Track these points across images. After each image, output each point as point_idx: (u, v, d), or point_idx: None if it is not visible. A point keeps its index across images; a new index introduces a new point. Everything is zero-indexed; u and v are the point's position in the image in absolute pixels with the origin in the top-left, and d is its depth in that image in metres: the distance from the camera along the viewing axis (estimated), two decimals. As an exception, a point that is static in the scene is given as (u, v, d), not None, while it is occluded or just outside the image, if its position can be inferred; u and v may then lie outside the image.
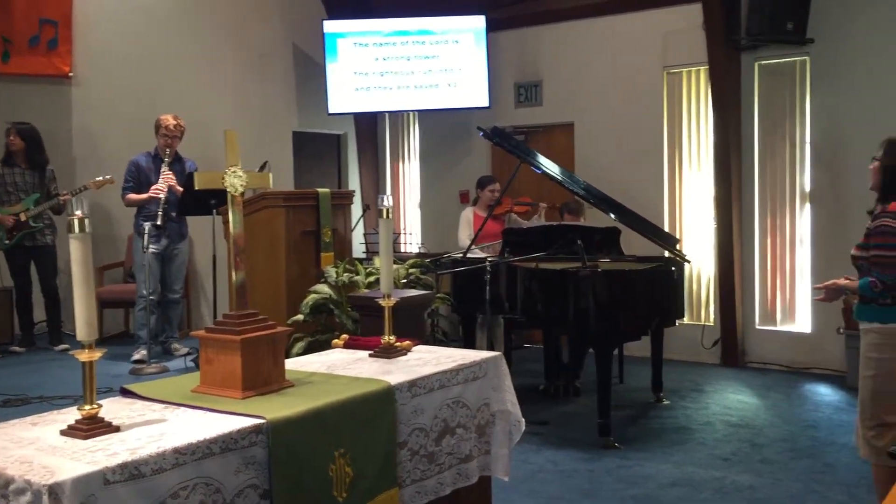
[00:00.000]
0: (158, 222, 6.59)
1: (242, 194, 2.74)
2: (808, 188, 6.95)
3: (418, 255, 7.80)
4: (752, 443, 4.96)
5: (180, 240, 7.02)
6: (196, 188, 2.77)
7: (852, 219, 6.23)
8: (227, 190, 2.68)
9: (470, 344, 6.06)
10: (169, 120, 6.79)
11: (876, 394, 3.51)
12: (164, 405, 2.46)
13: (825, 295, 3.70)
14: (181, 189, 6.61)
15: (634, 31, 7.63)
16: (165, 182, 6.69)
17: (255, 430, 2.25)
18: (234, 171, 2.68)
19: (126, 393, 2.59)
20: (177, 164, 6.89)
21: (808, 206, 6.96)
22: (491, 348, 6.25)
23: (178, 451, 2.04)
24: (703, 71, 7.27)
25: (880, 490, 3.46)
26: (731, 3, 6.89)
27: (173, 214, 6.79)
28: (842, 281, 3.64)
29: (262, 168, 6.15)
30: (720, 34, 6.85)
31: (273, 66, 8.56)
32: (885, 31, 6.44)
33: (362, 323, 4.37)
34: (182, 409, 2.42)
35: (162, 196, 6.66)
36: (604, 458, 4.68)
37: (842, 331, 6.24)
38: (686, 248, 7.39)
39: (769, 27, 6.56)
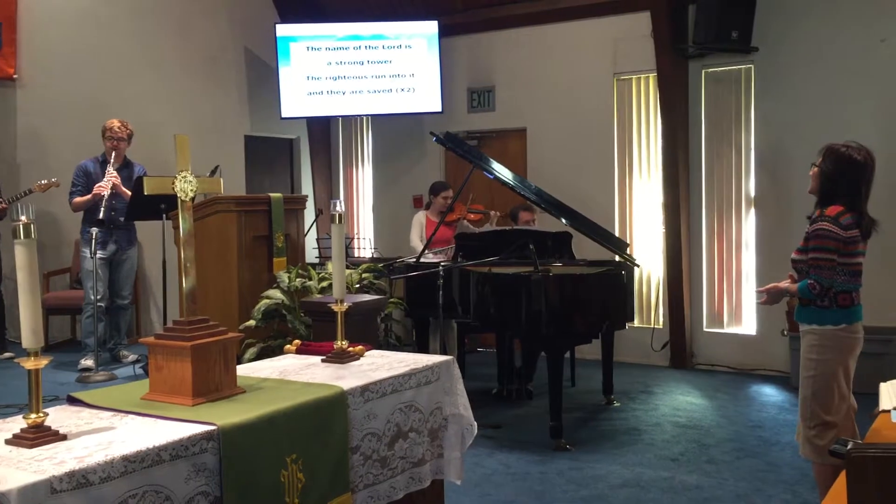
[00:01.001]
0: (100, 216, 6.48)
1: (193, 199, 2.72)
2: (752, 193, 7.12)
3: (372, 259, 7.80)
4: (700, 443, 5.06)
5: (129, 245, 6.91)
6: (145, 193, 2.75)
7: (795, 223, 6.39)
8: (178, 195, 2.66)
9: (423, 348, 6.09)
10: (115, 123, 6.70)
11: (816, 394, 3.61)
12: (112, 413, 2.43)
13: (767, 298, 3.80)
14: (129, 192, 6.52)
15: (585, 38, 7.73)
16: (110, 180, 6.58)
17: (206, 436, 2.24)
18: (185, 177, 2.66)
19: (73, 401, 2.55)
20: (125, 168, 6.79)
21: (752, 210, 7.13)
22: (444, 352, 6.29)
23: (126, 459, 2.02)
24: (652, 78, 7.40)
25: (822, 487, 3.56)
26: (679, 12, 7.04)
27: (121, 220, 6.68)
28: (782, 284, 3.74)
29: (213, 172, 6.10)
30: (668, 42, 6.99)
31: (224, 70, 8.48)
32: (826, 40, 6.64)
33: (315, 328, 4.37)
34: (131, 416, 2.39)
35: (106, 193, 6.56)
36: (555, 460, 4.74)
37: (785, 332, 6.41)
38: (636, 252, 7.51)
39: (715, 36, 6.71)
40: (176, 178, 2.66)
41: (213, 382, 2.58)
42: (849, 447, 2.47)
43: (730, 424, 5.46)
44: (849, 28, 6.55)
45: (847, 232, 3.54)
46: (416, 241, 6.80)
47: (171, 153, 2.70)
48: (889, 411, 3.86)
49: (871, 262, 3.70)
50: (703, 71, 7.23)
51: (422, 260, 6.05)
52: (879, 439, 3.54)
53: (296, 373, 3.01)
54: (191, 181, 2.68)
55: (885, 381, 4.19)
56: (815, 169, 3.70)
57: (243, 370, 3.04)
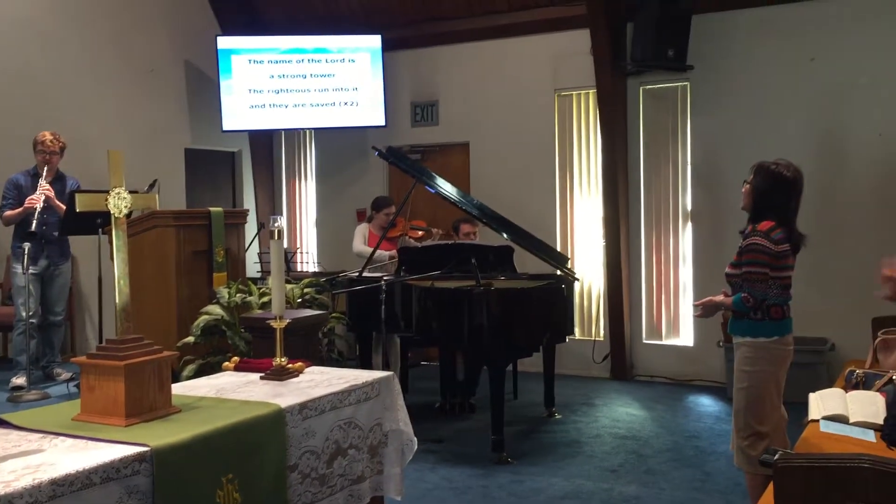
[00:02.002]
0: (32, 228, 6.32)
1: (129, 215, 2.69)
2: (689, 207, 7.29)
3: (315, 274, 7.75)
4: (639, 454, 5.14)
5: (62, 260, 6.74)
6: (77, 210, 2.70)
7: (730, 236, 6.52)
8: (111, 212, 2.62)
9: (366, 363, 6.07)
10: (46, 136, 6.54)
11: (750, 405, 3.71)
12: (41, 435, 2.37)
13: (702, 312, 3.89)
14: (63, 206, 6.37)
15: (526, 54, 7.84)
16: (42, 192, 6.43)
17: (139, 458, 2.21)
18: (118, 193, 2.62)
19: (1, 423, 2.48)
20: (58, 181, 6.63)
21: (689, 224, 7.29)
22: (387, 367, 6.28)
23: (55, 483, 1.98)
24: (592, 94, 7.53)
25: (753, 497, 3.65)
26: (617, 31, 7.18)
27: (55, 234, 6.52)
28: (717, 298, 3.83)
29: (151, 186, 6.01)
30: (607, 60, 7.13)
31: (163, 82, 8.36)
32: (758, 59, 6.85)
33: (255, 344, 4.33)
34: (61, 438, 2.34)
35: (39, 206, 6.40)
36: (497, 473, 4.76)
37: (721, 344, 6.56)
38: (577, 265, 7.62)
39: (652, 54, 6.87)
40: (109, 194, 2.62)
41: (147, 402, 2.54)
42: (776, 457, 2.55)
43: (668, 435, 5.56)
44: (780, 47, 6.77)
45: (778, 246, 3.65)
46: (362, 246, 6.79)
47: (106, 167, 2.65)
48: (818, 421, 3.99)
49: (800, 275, 3.82)
50: (640, 88, 7.39)
51: (364, 274, 6.04)
52: (809, 448, 3.65)
53: (233, 391, 2.98)
54: (125, 197, 2.64)
55: (814, 391, 4.33)
56: (747, 186, 3.81)
57: (179, 389, 3.00)
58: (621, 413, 6.18)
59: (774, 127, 6.73)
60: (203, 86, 8.56)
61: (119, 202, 2.62)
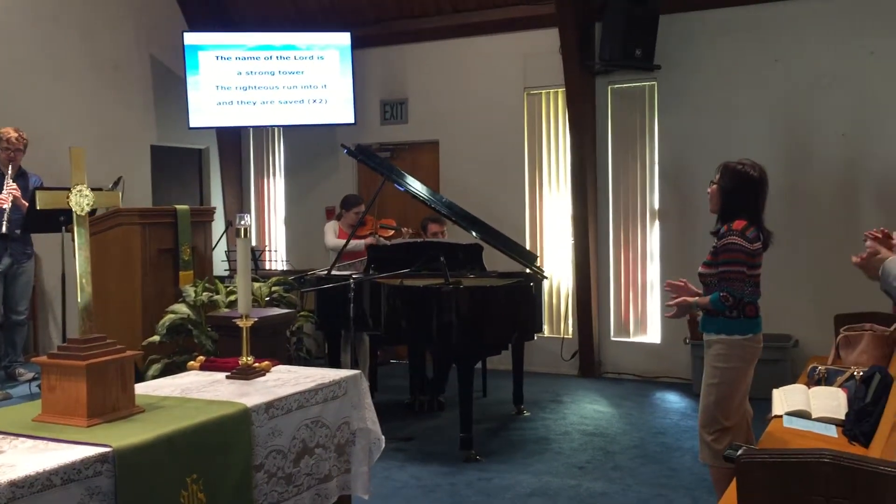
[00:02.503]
0: (3, 230, 6.22)
1: (94, 213, 2.65)
2: (656, 206, 7.35)
3: (283, 272, 7.70)
4: (606, 450, 5.18)
5: (25, 258, 6.63)
6: (38, 208, 2.66)
7: (697, 234, 6.63)
8: (73, 209, 2.58)
9: (334, 362, 6.04)
10: (10, 133, 6.44)
11: (719, 401, 3.74)
12: (1, 436, 2.33)
13: (676, 312, 3.90)
14: (27, 203, 6.27)
15: (496, 53, 7.85)
16: (10, 192, 6.33)
17: (100, 458, 2.18)
18: (80, 190, 2.59)
19: (-41, 424, 2.44)
20: (21, 179, 6.52)
21: (657, 223, 7.35)
22: (356, 365, 6.26)
23: (14, 485, 1.95)
24: (561, 93, 7.56)
25: (719, 491, 3.69)
26: (586, 30, 7.23)
27: (17, 232, 6.42)
28: (691, 298, 3.85)
29: (116, 183, 5.94)
30: (576, 59, 7.16)
31: (129, 78, 8.25)
32: (724, 59, 6.92)
33: (221, 343, 4.29)
34: (21, 439, 2.31)
35: (7, 206, 6.30)
36: (465, 471, 4.77)
37: (688, 341, 6.62)
38: (546, 263, 7.65)
39: (620, 53, 6.91)
40: (71, 191, 2.58)
41: (110, 402, 2.52)
42: (739, 453, 2.58)
43: (635, 431, 5.61)
44: (745, 48, 6.85)
45: (753, 245, 3.70)
46: (333, 240, 6.77)
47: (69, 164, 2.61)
48: (781, 416, 4.05)
49: (764, 272, 3.85)
50: (609, 87, 7.43)
51: (333, 272, 6.01)
52: (773, 443, 3.71)
53: (198, 390, 2.96)
54: (87, 195, 2.60)
55: (778, 387, 4.39)
56: (714, 187, 3.84)
57: (143, 388, 2.97)
58: (589, 410, 6.22)
59: (740, 126, 6.81)
60: (169, 82, 8.46)
61: (81, 200, 2.59)
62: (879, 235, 3.19)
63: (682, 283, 3.89)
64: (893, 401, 3.39)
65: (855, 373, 4.19)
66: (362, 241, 6.62)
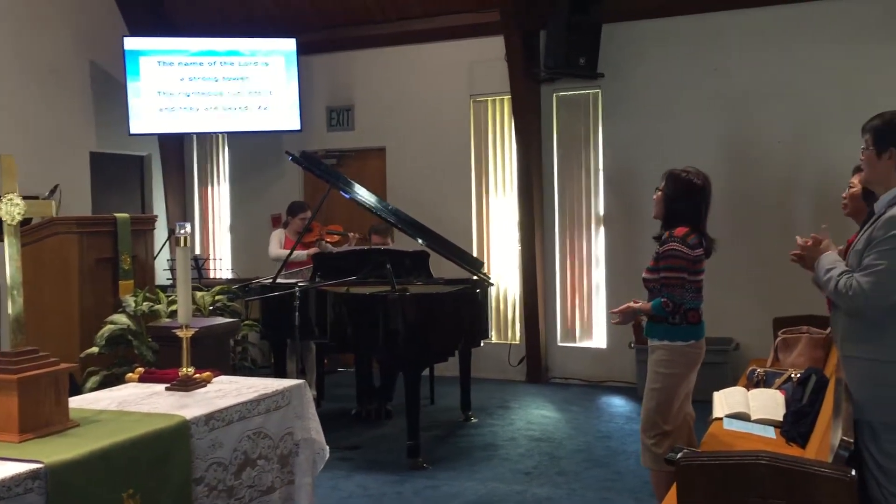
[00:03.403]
0: None
1: (28, 222, 2.58)
2: (601, 212, 7.44)
3: (228, 280, 7.60)
4: (552, 455, 5.22)
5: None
6: (-35, 217, 2.57)
7: (641, 240, 6.72)
8: (3, 219, 2.51)
9: (280, 371, 5.98)
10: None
11: (660, 405, 3.79)
12: (-74, 454, 2.25)
13: (621, 318, 3.94)
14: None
15: (442, 60, 7.87)
16: None
17: (32, 475, 2.12)
18: (11, 199, 2.52)
19: None
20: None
21: (602, 228, 7.44)
22: (302, 374, 6.21)
23: (-63, 505, 1.88)
24: (507, 100, 7.62)
25: (660, 494, 3.73)
26: (530, 38, 7.29)
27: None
28: (635, 304, 3.90)
29: (52, 192, 5.79)
30: (521, 66, 7.21)
31: (67, 84, 8.05)
32: (666, 68, 7.05)
33: (163, 354, 4.22)
34: (-53, 457, 2.23)
35: None
36: (412, 479, 4.76)
37: (632, 345, 6.70)
38: (493, 269, 7.69)
39: (564, 62, 6.98)
40: (1, 200, 2.50)
41: (43, 417, 2.45)
42: (679, 456, 2.62)
43: (580, 436, 5.66)
44: (686, 57, 6.98)
45: (694, 251, 3.77)
46: (277, 250, 6.71)
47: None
48: (722, 418, 4.12)
49: (706, 277, 3.92)
50: (554, 94, 7.51)
51: (278, 281, 5.95)
52: (713, 445, 3.77)
53: (136, 403, 2.89)
54: (18, 204, 2.53)
55: (719, 390, 4.47)
56: (659, 193, 3.90)
57: (79, 402, 2.89)
58: (536, 415, 6.25)
59: (682, 134, 6.94)
60: (109, 88, 8.28)
61: (11, 209, 2.51)
62: (810, 243, 3.27)
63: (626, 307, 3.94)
64: (828, 402, 3.48)
65: (792, 375, 4.29)
66: (304, 252, 6.56)
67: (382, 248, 6.39)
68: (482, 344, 5.94)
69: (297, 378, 3.98)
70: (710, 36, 6.92)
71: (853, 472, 2.34)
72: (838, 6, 6.51)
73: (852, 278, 2.79)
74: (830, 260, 2.93)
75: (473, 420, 6.06)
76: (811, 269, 3.01)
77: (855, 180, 3.88)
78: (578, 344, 7.56)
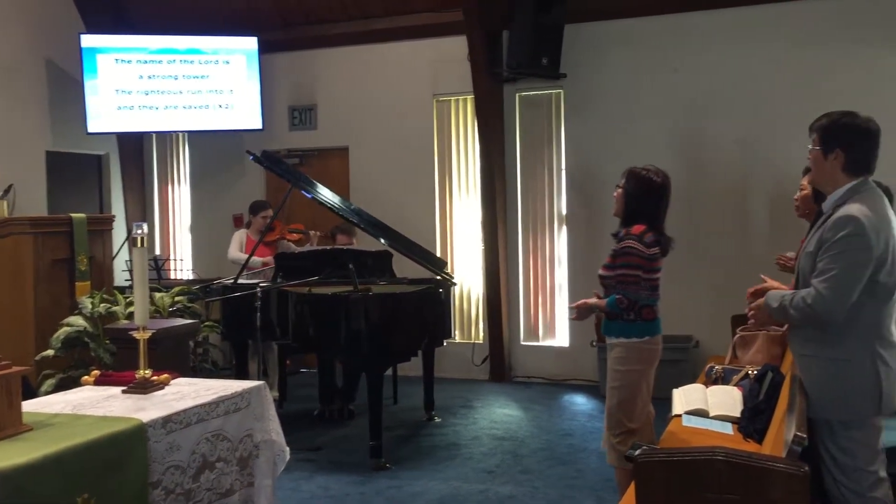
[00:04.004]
0: None
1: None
2: (564, 211, 7.48)
3: (189, 281, 7.52)
4: (515, 454, 5.24)
5: None
6: (-87, 217, 2.52)
7: (603, 239, 6.74)
8: (-49, 219, 2.45)
9: (242, 372, 5.93)
10: None
11: (622, 403, 3.82)
12: None
13: (577, 314, 3.97)
14: None
15: (405, 60, 7.86)
16: None
17: (-18, 481, 2.07)
18: (-40, 199, 2.46)
19: None
20: None
21: (564, 228, 7.49)
22: (265, 375, 6.16)
23: None
24: (470, 100, 7.63)
25: (622, 492, 3.76)
26: (493, 38, 7.31)
27: None
28: (591, 301, 3.93)
29: (6, 192, 5.69)
30: (484, 66, 7.23)
31: (22, 82, 7.89)
32: (627, 68, 7.11)
33: (120, 356, 4.16)
34: None
35: None
36: (375, 479, 4.74)
37: (594, 344, 6.76)
38: (456, 268, 7.70)
39: (527, 62, 7.01)
40: (-51, 200, 2.45)
41: (-6, 421, 2.39)
42: (637, 453, 2.64)
43: (543, 434, 5.69)
44: (647, 57, 7.05)
45: (650, 249, 3.80)
46: (236, 253, 6.65)
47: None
48: (681, 415, 4.17)
49: (665, 275, 3.96)
50: (517, 94, 7.54)
51: (240, 281, 5.89)
52: (672, 442, 3.81)
53: (92, 406, 2.85)
54: (-33, 204, 2.47)
55: (679, 387, 4.52)
56: (620, 191, 3.93)
57: (33, 406, 2.84)
58: (499, 414, 6.27)
59: (642, 133, 7.00)
60: (66, 86, 8.14)
61: (-40, 209, 2.46)
62: (791, 261, 3.32)
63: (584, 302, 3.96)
64: (784, 398, 3.53)
65: (749, 371, 4.35)
66: (260, 260, 6.48)
67: (345, 248, 6.36)
68: (445, 343, 5.95)
69: (260, 379, 3.95)
70: (669, 37, 7.00)
71: (806, 467, 2.38)
72: (794, 8, 6.62)
73: (802, 292, 2.84)
74: (775, 297, 2.98)
75: (437, 419, 6.07)
76: (769, 321, 3.05)
77: (805, 182, 3.94)
78: (541, 343, 7.60)
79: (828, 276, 2.77)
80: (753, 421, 3.84)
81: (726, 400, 4.18)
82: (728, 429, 3.93)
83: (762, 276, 3.32)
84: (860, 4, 6.46)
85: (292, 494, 4.44)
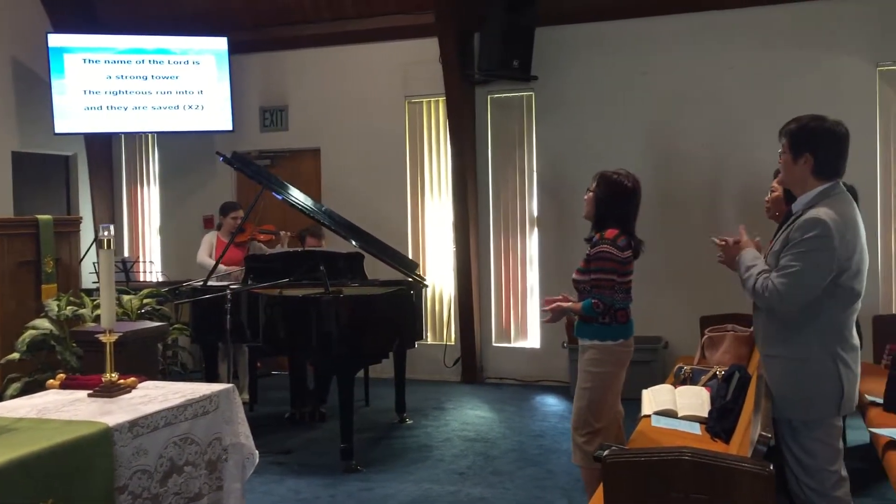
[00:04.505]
0: None
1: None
2: (535, 213, 7.51)
3: (159, 283, 7.45)
4: (486, 455, 5.25)
5: None
6: None
7: (574, 242, 6.78)
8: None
9: (211, 375, 5.87)
10: None
11: (591, 404, 3.84)
12: None
13: (551, 317, 3.98)
14: None
15: (377, 61, 7.85)
16: None
17: (-58, 487, 2.04)
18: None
19: None
20: None
21: (536, 229, 7.52)
22: (235, 378, 6.12)
23: None
24: (442, 101, 7.63)
25: (590, 492, 3.79)
26: (465, 40, 7.32)
27: None
28: (566, 304, 3.94)
29: (-30, 193, 5.59)
30: (455, 68, 7.24)
31: (-12, 81, 7.78)
32: (597, 71, 7.16)
33: (87, 360, 4.11)
34: None
35: None
36: (346, 482, 4.73)
37: (565, 345, 6.79)
38: (428, 270, 7.70)
39: (498, 64, 7.04)
40: None
41: (-44, 426, 2.36)
42: (606, 453, 2.66)
43: (514, 435, 5.71)
44: (617, 61, 7.11)
45: (623, 253, 3.83)
46: (205, 258, 6.60)
47: None
48: (650, 416, 4.21)
49: (636, 277, 3.98)
50: (488, 96, 7.56)
51: (209, 283, 5.85)
52: (641, 442, 3.85)
53: (57, 410, 2.81)
54: (-72, 205, 2.43)
55: (647, 387, 4.57)
56: (591, 195, 3.95)
57: (-4, 410, 2.80)
58: (471, 416, 6.28)
59: (613, 136, 7.06)
60: (33, 86, 8.03)
61: (-79, 210, 2.42)
62: (730, 243, 3.36)
63: (561, 298, 3.98)
64: (751, 398, 3.58)
65: (717, 372, 4.40)
66: (226, 270, 6.42)
67: (317, 249, 6.34)
68: (417, 345, 5.94)
69: (230, 382, 3.92)
70: (639, 41, 7.06)
71: (771, 467, 2.41)
72: (759, 13, 6.71)
73: (769, 279, 2.88)
74: (751, 257, 3.01)
75: (408, 421, 6.06)
76: (733, 268, 3.08)
77: (776, 184, 4.00)
78: (513, 344, 7.62)
79: (787, 272, 2.81)
80: (721, 421, 3.89)
81: (694, 400, 4.22)
82: (696, 429, 3.98)
83: (741, 227, 3.33)
84: (822, 10, 6.56)
85: (263, 498, 4.41)
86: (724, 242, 3.17)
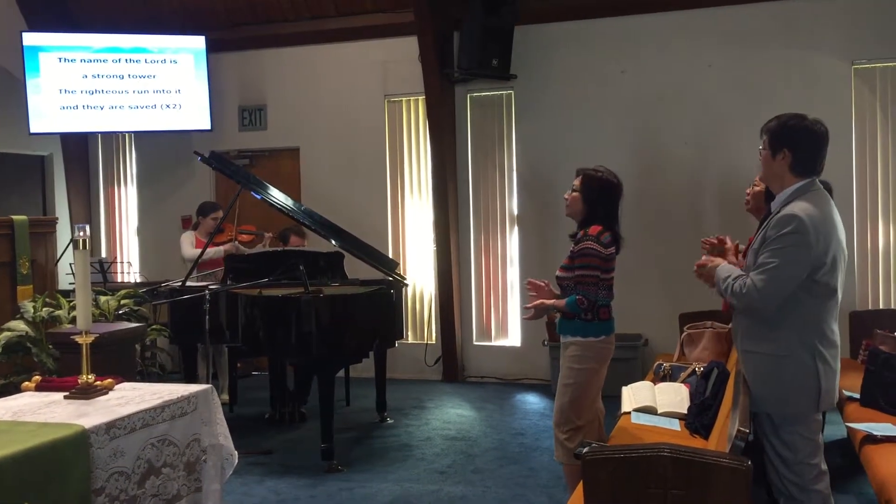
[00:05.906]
0: None
1: None
2: (515, 211, 7.52)
3: (136, 284, 7.38)
4: (467, 454, 5.25)
5: None
6: None
7: (553, 239, 6.86)
8: None
9: (190, 376, 5.83)
10: None
11: (573, 400, 3.85)
12: None
13: (534, 314, 3.98)
14: None
15: (356, 60, 7.83)
16: None
17: (-86, 492, 2.01)
18: None
19: None
20: None
21: (516, 228, 7.53)
22: (214, 379, 6.08)
23: None
24: (421, 100, 7.63)
25: (572, 488, 3.79)
26: (444, 39, 7.32)
27: None
28: (549, 301, 3.95)
29: (-56, 193, 5.51)
30: (435, 67, 7.23)
31: (-39, 80, 7.69)
32: (576, 70, 7.18)
33: (64, 361, 4.07)
34: None
35: None
36: (326, 482, 4.71)
37: (546, 343, 6.81)
38: (409, 269, 7.69)
39: (477, 63, 7.04)
40: None
41: (-72, 430, 2.32)
42: (586, 450, 2.67)
43: (495, 434, 5.71)
44: (595, 60, 7.13)
45: (607, 249, 3.84)
46: (191, 250, 6.52)
47: None
48: (630, 413, 4.22)
49: (616, 274, 4.00)
50: (468, 95, 7.56)
51: (188, 283, 5.80)
52: (622, 438, 3.86)
53: (32, 412, 2.78)
54: None
55: (627, 384, 4.59)
56: (576, 194, 3.95)
57: (-30, 413, 2.76)
58: (452, 414, 6.28)
59: (592, 134, 7.08)
60: (7, 85, 7.94)
61: None
62: (715, 242, 3.40)
63: (544, 284, 3.99)
64: (729, 394, 3.60)
65: (696, 368, 4.43)
66: (221, 248, 6.44)
67: (297, 249, 6.31)
68: (397, 344, 5.93)
69: (209, 383, 3.89)
70: (618, 39, 7.08)
71: (749, 462, 2.43)
72: (738, 11, 6.75)
73: (747, 278, 2.91)
74: (726, 270, 3.05)
75: (389, 421, 6.05)
76: (712, 285, 3.11)
77: (759, 180, 4.03)
78: (494, 343, 7.63)
79: (764, 269, 2.85)
80: (700, 417, 3.91)
81: (674, 397, 4.25)
82: (676, 425, 4.00)
83: (721, 237, 3.36)
84: (798, 9, 6.61)
85: (242, 499, 4.38)
86: (712, 244, 3.21)
